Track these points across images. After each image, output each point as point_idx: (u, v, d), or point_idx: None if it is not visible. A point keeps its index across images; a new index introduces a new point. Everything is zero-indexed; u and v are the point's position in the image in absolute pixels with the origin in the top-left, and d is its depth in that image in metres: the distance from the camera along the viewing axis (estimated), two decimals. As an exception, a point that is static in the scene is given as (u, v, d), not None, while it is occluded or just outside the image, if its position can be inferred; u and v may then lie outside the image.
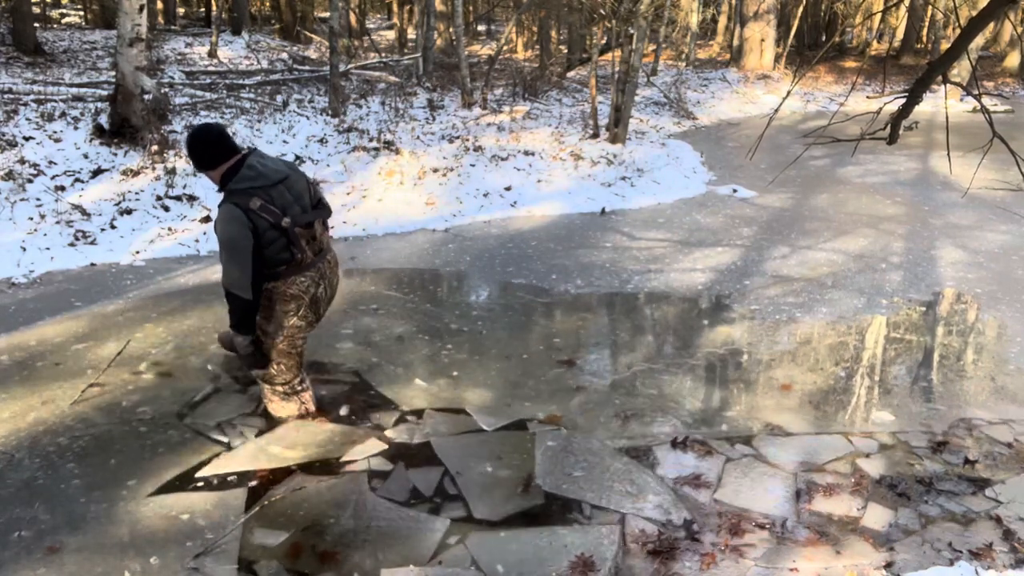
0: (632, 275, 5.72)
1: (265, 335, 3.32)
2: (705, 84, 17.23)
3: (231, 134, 3.40)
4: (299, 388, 3.54)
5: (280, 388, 3.49)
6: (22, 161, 6.92)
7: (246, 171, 3.06)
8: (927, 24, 23.20)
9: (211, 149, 3.09)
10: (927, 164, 10.21)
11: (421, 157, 8.37)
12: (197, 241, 6.18)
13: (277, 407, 3.54)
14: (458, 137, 9.58)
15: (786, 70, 18.96)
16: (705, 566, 2.67)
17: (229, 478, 3.12)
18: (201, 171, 3.18)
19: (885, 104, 3.29)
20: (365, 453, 3.30)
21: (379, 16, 33.95)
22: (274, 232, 3.07)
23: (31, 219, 6.11)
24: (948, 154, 3.44)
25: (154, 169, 7.17)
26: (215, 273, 5.53)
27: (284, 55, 16.22)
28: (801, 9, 20.46)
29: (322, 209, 3.33)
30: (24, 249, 5.68)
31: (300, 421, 3.54)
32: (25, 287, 5.18)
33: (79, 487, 3.04)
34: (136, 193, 6.78)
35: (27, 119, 8.04)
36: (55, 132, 7.73)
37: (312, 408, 3.61)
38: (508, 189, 7.95)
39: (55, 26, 19.40)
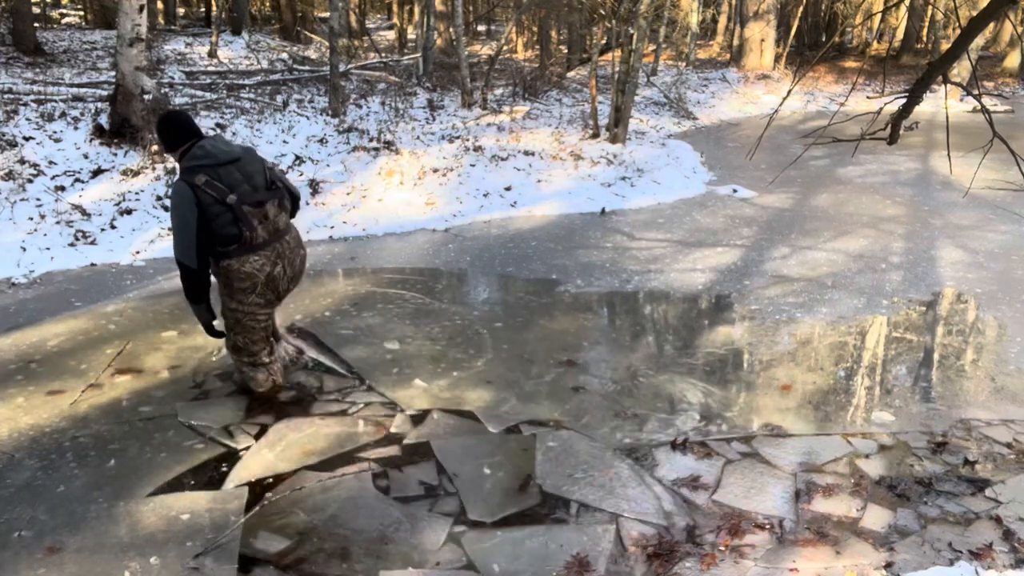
0: (632, 275, 5.72)
1: (228, 310, 3.56)
2: (705, 84, 17.22)
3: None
4: (266, 360, 3.72)
5: (246, 360, 3.69)
6: (22, 161, 6.92)
7: (196, 151, 3.33)
8: (927, 24, 23.21)
9: (169, 133, 3.42)
10: (927, 164, 10.21)
11: (421, 157, 8.37)
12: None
13: (247, 378, 3.74)
14: (458, 137, 9.58)
15: (786, 70, 18.96)
16: (705, 567, 2.67)
17: (229, 478, 3.11)
18: (166, 153, 3.46)
19: (885, 104, 3.29)
20: (365, 453, 3.30)
21: (379, 16, 33.94)
22: (219, 207, 3.28)
23: (31, 219, 6.11)
24: (948, 154, 3.44)
25: (154, 169, 7.17)
26: (215, 273, 5.54)
27: (284, 55, 16.21)
28: (801, 9, 20.46)
29: (276, 191, 3.50)
30: (24, 249, 5.68)
31: (299, 422, 3.55)
32: (25, 287, 5.18)
33: (79, 487, 3.04)
34: (136, 193, 6.78)
35: (27, 119, 8.03)
36: (55, 132, 7.73)
37: (279, 380, 3.79)
38: (508, 189, 7.95)
39: (55, 26, 19.40)
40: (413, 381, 3.97)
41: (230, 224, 3.33)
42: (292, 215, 3.74)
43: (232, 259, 3.40)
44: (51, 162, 7.08)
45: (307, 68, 14.33)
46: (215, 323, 3.66)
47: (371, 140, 9.01)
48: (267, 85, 12.17)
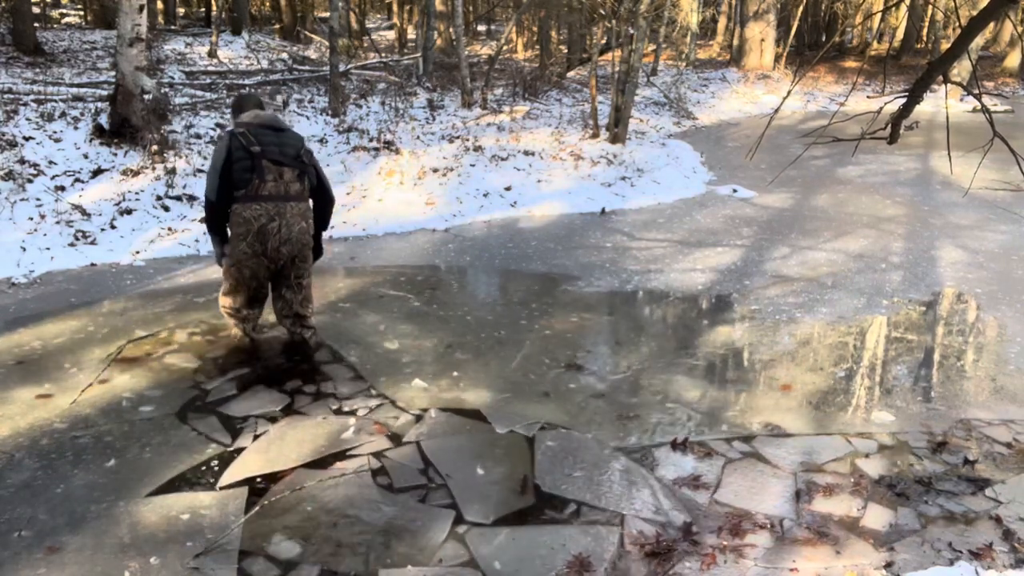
0: (632, 275, 5.72)
1: (227, 256, 4.07)
2: (705, 84, 17.23)
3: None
4: (242, 313, 4.19)
5: (227, 306, 4.20)
6: (22, 161, 6.92)
7: (248, 113, 4.05)
8: (927, 24, 23.21)
9: (240, 101, 4.20)
10: (927, 164, 10.21)
11: (421, 157, 8.37)
12: (197, 241, 6.18)
13: (227, 322, 4.30)
14: (458, 137, 9.58)
15: (786, 70, 18.97)
16: (705, 567, 2.67)
17: (229, 477, 3.11)
18: (233, 119, 4.17)
19: (885, 104, 3.29)
20: (365, 452, 3.30)
21: (379, 16, 33.95)
22: (242, 152, 3.88)
23: (31, 219, 6.11)
24: (948, 154, 3.44)
25: (154, 169, 7.17)
26: (215, 272, 5.53)
27: (284, 55, 16.22)
28: (801, 9, 20.46)
29: (301, 164, 4.03)
30: (24, 249, 5.68)
31: (299, 421, 3.55)
32: (25, 287, 5.18)
33: (79, 487, 3.04)
34: (136, 193, 6.78)
35: (27, 119, 8.03)
36: (55, 132, 7.73)
37: (248, 331, 4.26)
38: (508, 189, 7.95)
39: (55, 26, 19.40)
40: (413, 381, 3.97)
41: (247, 170, 3.87)
42: (324, 210, 4.31)
43: (239, 204, 3.90)
44: (51, 162, 7.08)
45: (307, 68, 14.33)
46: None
47: (371, 140, 9.01)
48: (267, 85, 12.17)
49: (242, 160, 3.87)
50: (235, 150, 3.88)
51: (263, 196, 3.90)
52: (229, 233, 4.02)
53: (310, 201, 4.19)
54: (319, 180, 4.21)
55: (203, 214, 6.57)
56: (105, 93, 9.32)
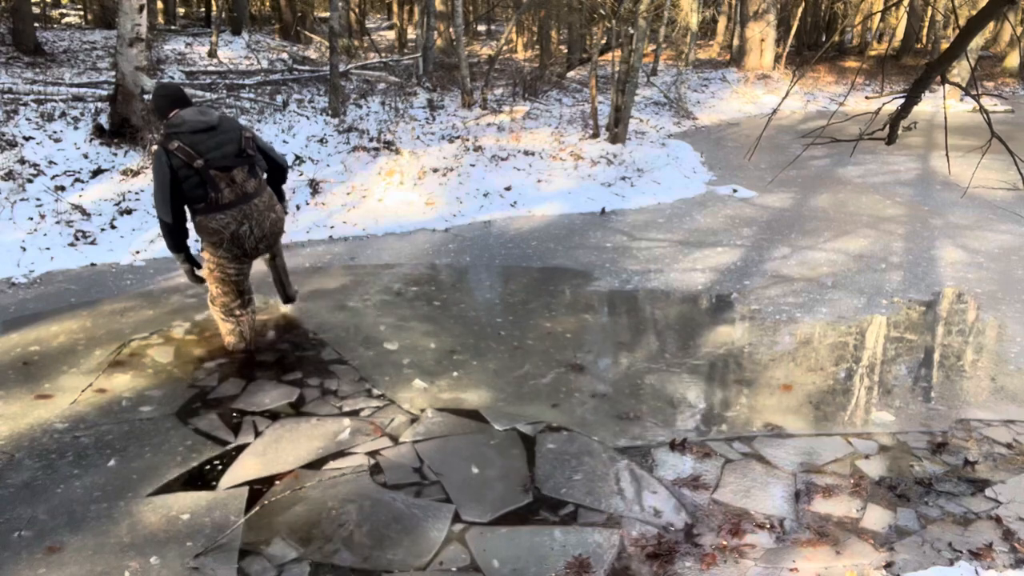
0: (632, 275, 5.72)
1: (205, 261, 4.03)
2: (705, 84, 17.23)
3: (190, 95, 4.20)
4: (236, 312, 4.12)
5: (219, 309, 4.11)
6: (22, 161, 6.92)
7: (174, 119, 3.75)
8: (927, 24, 23.21)
9: (161, 102, 3.84)
10: (927, 164, 10.21)
11: (421, 157, 8.37)
12: (197, 241, 6.17)
13: (221, 327, 4.19)
14: (458, 137, 9.58)
15: (786, 70, 18.97)
16: (705, 567, 2.67)
17: (229, 477, 3.12)
18: (159, 121, 3.96)
19: (884, 104, 3.30)
20: (364, 453, 3.31)
21: (379, 16, 33.95)
22: (188, 170, 3.68)
23: (31, 219, 6.11)
24: (947, 154, 3.44)
25: (154, 169, 7.17)
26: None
27: (284, 55, 16.22)
28: (801, 9, 20.46)
29: (246, 159, 3.84)
30: (24, 249, 5.68)
31: (298, 421, 3.55)
32: (25, 287, 5.18)
33: (79, 487, 3.04)
34: (136, 193, 6.78)
35: (27, 119, 8.03)
36: (55, 132, 7.73)
37: (246, 334, 4.18)
38: (508, 189, 7.95)
39: (55, 26, 19.40)
40: (413, 381, 3.97)
41: (197, 186, 3.73)
42: (280, 182, 4.24)
43: (201, 216, 3.81)
44: (51, 162, 7.08)
45: (307, 68, 14.33)
46: (197, 271, 4.14)
47: (371, 140, 9.01)
48: (267, 85, 12.17)
49: (189, 177, 3.70)
50: (178, 169, 3.67)
51: (223, 206, 3.80)
52: (201, 242, 3.96)
53: (268, 188, 4.07)
54: (269, 159, 4.07)
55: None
56: (105, 93, 9.32)
